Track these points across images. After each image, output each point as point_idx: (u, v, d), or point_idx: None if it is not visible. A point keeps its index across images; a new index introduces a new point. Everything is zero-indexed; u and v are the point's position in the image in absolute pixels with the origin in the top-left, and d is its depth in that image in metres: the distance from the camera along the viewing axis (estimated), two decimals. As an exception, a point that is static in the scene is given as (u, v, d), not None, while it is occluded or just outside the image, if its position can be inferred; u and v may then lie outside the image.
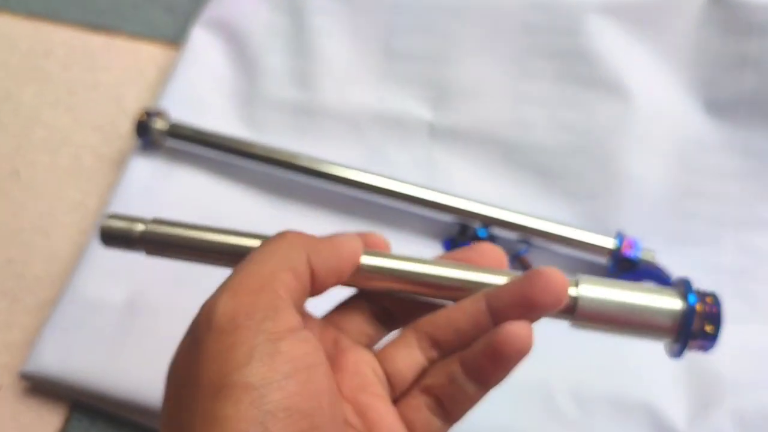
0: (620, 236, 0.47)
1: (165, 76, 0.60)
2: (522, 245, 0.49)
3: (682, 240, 0.49)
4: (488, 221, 0.49)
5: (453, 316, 0.28)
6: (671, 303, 0.28)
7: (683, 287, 0.28)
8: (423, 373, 0.29)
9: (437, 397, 0.28)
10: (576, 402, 0.44)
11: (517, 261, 0.49)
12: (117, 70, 0.62)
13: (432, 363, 0.29)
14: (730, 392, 0.43)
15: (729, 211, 0.50)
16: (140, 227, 0.31)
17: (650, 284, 0.45)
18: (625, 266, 0.47)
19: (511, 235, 0.49)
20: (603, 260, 0.48)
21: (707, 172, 0.50)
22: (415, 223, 0.51)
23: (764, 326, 0.46)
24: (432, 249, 0.51)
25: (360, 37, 0.57)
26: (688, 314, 0.27)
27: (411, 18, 0.56)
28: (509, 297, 0.27)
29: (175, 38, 0.64)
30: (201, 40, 0.59)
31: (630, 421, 0.43)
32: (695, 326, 0.27)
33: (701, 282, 0.47)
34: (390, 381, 0.29)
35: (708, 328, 0.27)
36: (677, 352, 0.28)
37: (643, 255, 0.47)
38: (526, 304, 0.26)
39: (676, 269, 0.47)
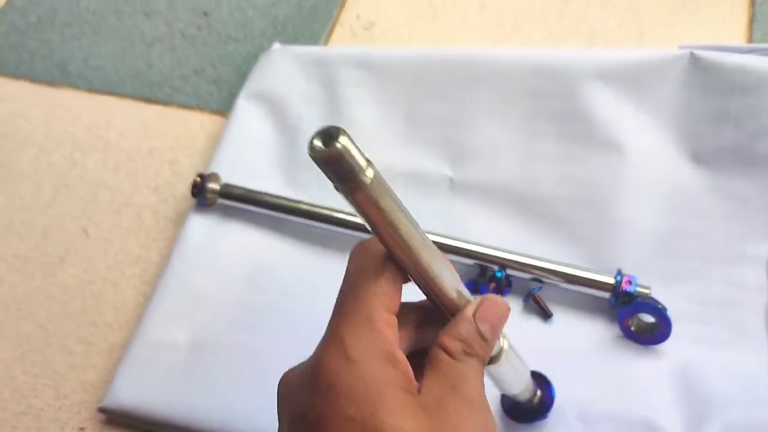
0: (620, 274, 0.52)
1: (214, 141, 0.67)
2: (535, 284, 0.55)
3: (674, 275, 0.54)
4: (504, 264, 0.54)
5: None
6: None
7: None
8: None
9: None
10: (583, 421, 0.48)
11: (531, 298, 0.55)
12: (170, 138, 0.69)
13: None
14: (720, 410, 0.47)
15: (716, 248, 0.54)
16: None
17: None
18: (625, 300, 0.52)
19: (525, 276, 0.54)
20: (605, 295, 0.52)
21: (695, 215, 0.55)
22: (440, 267, 0.57)
23: (751, 351, 0.51)
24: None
25: (386, 105, 0.63)
26: None
27: (430, 87, 0.62)
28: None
29: (220, 107, 0.71)
30: (245, 109, 0.66)
31: (633, 437, 0.47)
32: None
33: (692, 312, 0.52)
34: None
35: None
36: None
37: (640, 290, 0.52)
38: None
39: (669, 302, 0.51)
